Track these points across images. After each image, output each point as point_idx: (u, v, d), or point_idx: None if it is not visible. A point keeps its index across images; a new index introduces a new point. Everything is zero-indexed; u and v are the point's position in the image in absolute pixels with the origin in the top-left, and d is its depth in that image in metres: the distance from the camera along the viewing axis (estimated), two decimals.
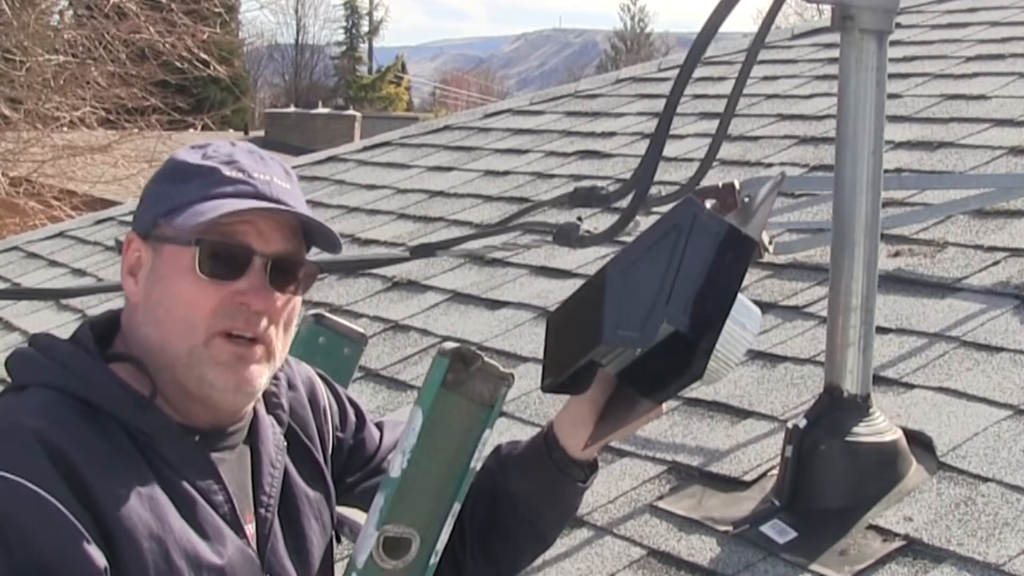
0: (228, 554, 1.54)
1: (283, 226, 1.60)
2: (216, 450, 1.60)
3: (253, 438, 1.67)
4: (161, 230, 1.58)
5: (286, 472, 1.69)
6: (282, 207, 1.59)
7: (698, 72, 4.05)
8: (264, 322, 1.58)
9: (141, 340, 1.58)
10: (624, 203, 2.49)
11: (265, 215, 1.58)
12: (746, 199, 2.98)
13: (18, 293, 5.06)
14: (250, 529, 1.62)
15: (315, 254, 1.70)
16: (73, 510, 1.42)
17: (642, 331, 1.65)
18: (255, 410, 1.68)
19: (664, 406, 1.82)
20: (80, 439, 1.48)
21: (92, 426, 1.50)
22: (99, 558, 1.42)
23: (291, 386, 1.77)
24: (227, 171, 1.59)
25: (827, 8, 2.35)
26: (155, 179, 1.65)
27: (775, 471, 2.36)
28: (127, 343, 1.61)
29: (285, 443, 1.70)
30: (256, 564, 1.59)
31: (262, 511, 1.64)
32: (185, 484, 1.54)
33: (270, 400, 1.72)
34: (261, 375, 1.60)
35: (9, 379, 1.60)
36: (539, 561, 2.14)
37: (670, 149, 4.01)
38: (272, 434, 1.69)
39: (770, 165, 4.23)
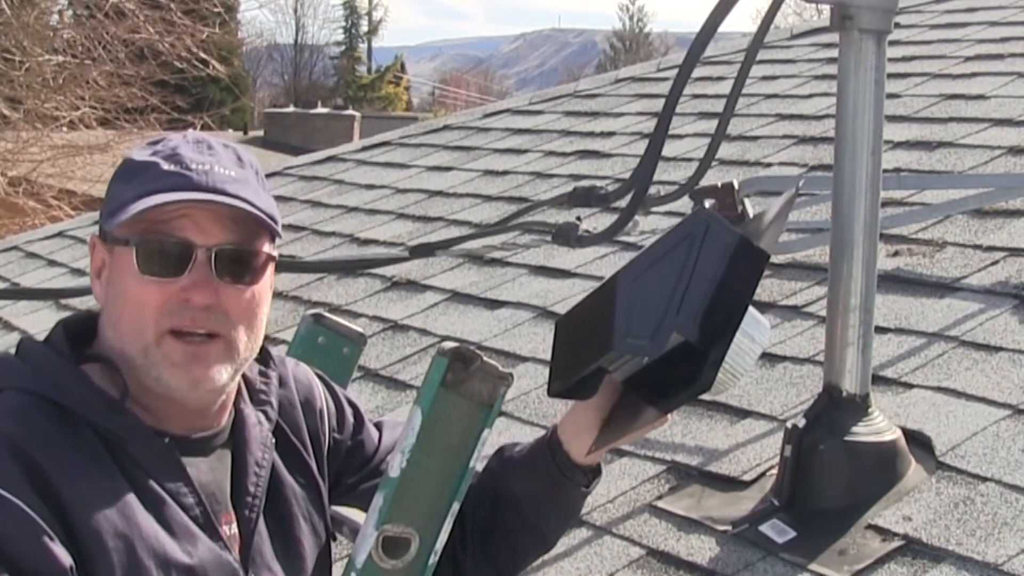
0: (199, 555, 1.53)
1: (226, 216, 1.55)
2: (190, 453, 1.59)
3: (236, 438, 1.65)
4: (112, 231, 1.57)
5: (275, 472, 1.68)
6: (208, 195, 1.53)
7: (697, 72, 4.05)
8: (213, 317, 1.55)
9: (108, 341, 1.58)
10: (623, 203, 2.49)
11: (202, 207, 1.54)
12: (745, 199, 2.98)
13: (18, 293, 5.06)
14: (229, 530, 1.60)
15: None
16: (38, 511, 1.42)
17: (652, 340, 1.64)
18: (240, 408, 1.67)
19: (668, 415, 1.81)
20: (48, 442, 1.47)
21: (62, 429, 1.50)
22: (64, 557, 1.42)
23: (283, 384, 1.76)
24: (165, 165, 1.55)
25: (826, 8, 2.35)
26: (112, 179, 1.63)
27: (774, 471, 2.36)
28: (101, 344, 1.60)
29: (273, 440, 1.69)
30: (231, 566, 1.57)
31: (245, 511, 1.62)
32: (154, 486, 1.53)
33: (258, 397, 1.70)
34: (221, 372, 1.56)
35: None
36: (538, 561, 2.13)
37: (669, 149, 4.01)
38: (259, 432, 1.67)
39: (769, 165, 4.24)
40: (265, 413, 1.70)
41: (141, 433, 1.55)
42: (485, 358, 1.66)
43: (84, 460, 1.49)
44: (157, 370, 1.54)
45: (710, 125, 3.91)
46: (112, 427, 1.53)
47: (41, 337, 1.65)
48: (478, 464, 1.71)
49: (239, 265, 1.57)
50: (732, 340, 1.65)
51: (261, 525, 1.64)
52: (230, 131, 26.67)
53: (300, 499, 1.72)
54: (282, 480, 1.70)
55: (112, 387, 1.55)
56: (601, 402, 1.80)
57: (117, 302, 1.56)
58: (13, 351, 1.61)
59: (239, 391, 1.67)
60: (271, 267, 1.63)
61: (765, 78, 5.38)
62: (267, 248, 1.61)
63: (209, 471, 1.61)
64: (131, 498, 1.50)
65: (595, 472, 1.86)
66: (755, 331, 1.80)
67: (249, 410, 1.68)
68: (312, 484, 1.75)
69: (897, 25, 2.40)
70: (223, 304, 1.55)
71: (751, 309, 1.74)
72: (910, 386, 2.57)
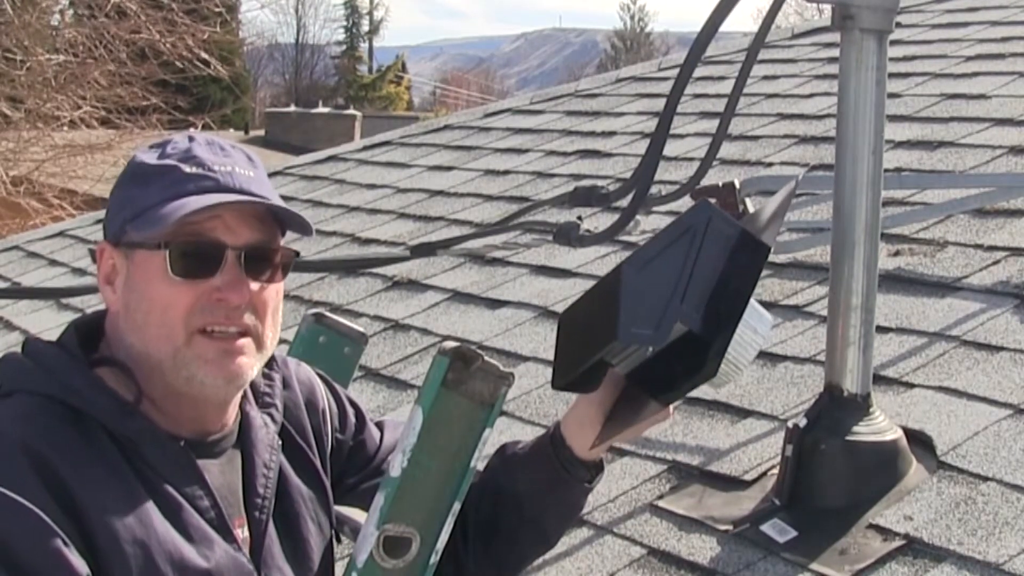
0: (216, 558, 1.53)
1: (251, 216, 1.58)
2: (202, 456, 1.59)
3: (244, 441, 1.65)
4: (129, 236, 1.57)
5: (282, 472, 1.68)
6: (246, 197, 1.56)
7: (698, 71, 4.05)
8: (245, 314, 1.57)
9: (126, 347, 1.58)
10: (624, 202, 2.49)
11: (231, 207, 1.56)
12: (746, 199, 2.99)
13: (18, 292, 5.06)
14: (242, 533, 1.60)
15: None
16: (55, 517, 1.41)
17: (656, 330, 1.65)
18: (246, 411, 1.67)
19: (672, 409, 1.82)
20: (63, 446, 1.47)
21: (77, 432, 1.50)
22: (81, 565, 1.42)
23: (287, 385, 1.76)
24: (186, 168, 1.56)
25: (827, 8, 2.35)
26: (118, 183, 1.62)
27: (775, 470, 2.36)
28: (112, 347, 1.60)
29: (279, 442, 1.70)
30: (247, 568, 1.57)
31: (256, 513, 1.63)
32: (170, 489, 1.53)
33: (263, 399, 1.71)
34: (251, 366, 1.58)
35: None
36: (539, 560, 2.14)
37: (670, 148, 4.01)
38: (265, 434, 1.68)
39: (770, 164, 4.24)
40: (270, 415, 1.71)
41: (156, 436, 1.55)
42: (486, 358, 1.66)
43: (100, 465, 1.49)
44: (189, 369, 1.54)
45: (711, 125, 3.91)
46: (127, 431, 1.52)
47: (44, 337, 1.64)
48: (479, 464, 1.71)
49: (264, 263, 1.59)
50: (735, 331, 1.66)
51: (271, 526, 1.65)
52: (231, 131, 26.66)
53: (307, 499, 1.72)
54: (289, 481, 1.70)
55: (125, 390, 1.55)
56: (604, 396, 1.80)
57: (142, 306, 1.56)
58: (20, 351, 1.61)
59: (244, 393, 1.67)
60: (289, 264, 1.65)
61: (766, 78, 5.38)
62: (283, 245, 1.64)
63: (220, 474, 1.61)
64: (147, 503, 1.50)
65: (598, 468, 1.87)
66: (758, 323, 1.81)
67: (255, 412, 1.69)
68: (318, 484, 1.75)
69: (898, 24, 2.40)
70: (252, 301, 1.57)
71: (753, 302, 1.74)
72: (911, 386, 2.57)
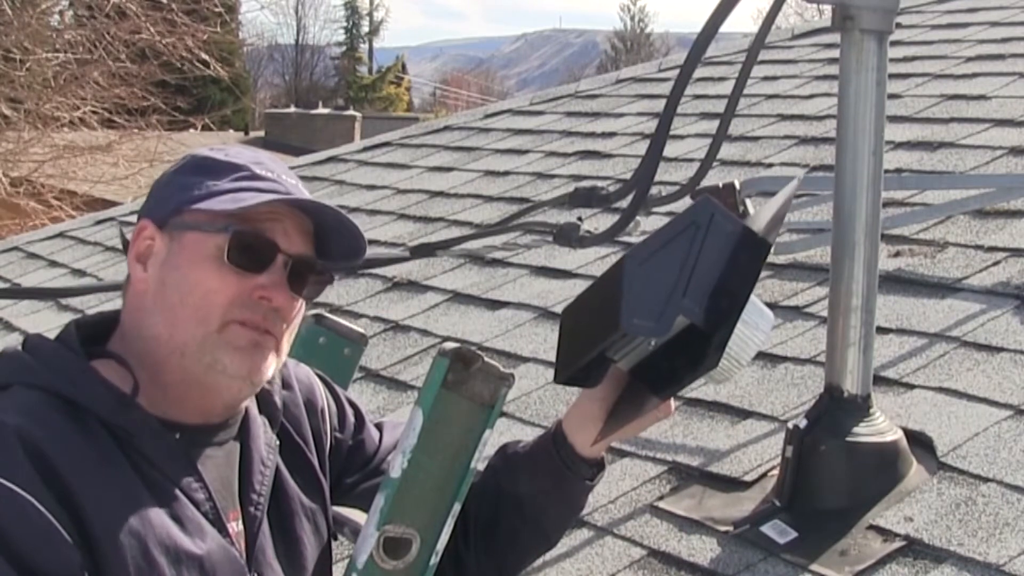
0: (208, 548, 1.54)
1: (304, 231, 1.63)
2: (201, 446, 1.60)
3: (244, 436, 1.66)
4: (184, 217, 1.58)
5: (278, 472, 1.69)
6: (316, 206, 1.61)
7: (698, 72, 4.05)
8: (277, 319, 1.59)
9: (146, 329, 1.58)
10: (624, 203, 2.49)
11: (292, 215, 1.60)
12: (746, 200, 2.99)
13: (18, 293, 5.06)
14: (235, 527, 1.61)
15: None
16: (50, 507, 1.42)
17: (658, 322, 1.65)
18: (247, 408, 1.67)
19: (673, 406, 1.82)
20: (60, 437, 1.48)
21: (73, 424, 1.50)
22: (75, 555, 1.42)
23: (286, 385, 1.77)
24: (258, 170, 1.62)
25: (827, 8, 2.35)
26: (177, 171, 1.65)
27: (775, 471, 2.36)
28: (125, 338, 1.60)
29: (277, 442, 1.70)
30: (238, 562, 1.58)
31: (251, 509, 1.63)
32: (166, 481, 1.54)
33: (263, 398, 1.71)
34: (270, 368, 1.60)
35: None
36: (539, 561, 2.14)
37: (670, 149, 4.01)
38: (264, 432, 1.68)
39: (770, 165, 4.24)
40: (270, 415, 1.71)
41: (151, 429, 1.55)
42: (486, 358, 1.66)
43: (96, 457, 1.50)
44: (214, 355, 1.55)
45: (711, 125, 3.91)
46: (122, 422, 1.53)
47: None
48: (479, 464, 1.71)
49: (303, 278, 1.62)
50: (736, 324, 1.66)
51: (265, 523, 1.65)
52: (231, 131, 26.68)
53: (303, 499, 1.72)
54: (285, 480, 1.70)
55: (122, 382, 1.56)
56: (606, 393, 1.81)
57: (181, 287, 1.57)
58: (20, 346, 1.61)
59: None
60: (322, 288, 1.68)
61: (766, 78, 5.38)
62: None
63: (216, 467, 1.61)
64: (143, 494, 1.51)
65: (599, 466, 1.87)
66: (759, 320, 1.81)
67: (254, 412, 1.69)
68: (315, 484, 1.75)
69: (898, 25, 2.40)
70: (285, 309, 1.60)
71: (755, 299, 1.75)
72: (911, 386, 2.57)
